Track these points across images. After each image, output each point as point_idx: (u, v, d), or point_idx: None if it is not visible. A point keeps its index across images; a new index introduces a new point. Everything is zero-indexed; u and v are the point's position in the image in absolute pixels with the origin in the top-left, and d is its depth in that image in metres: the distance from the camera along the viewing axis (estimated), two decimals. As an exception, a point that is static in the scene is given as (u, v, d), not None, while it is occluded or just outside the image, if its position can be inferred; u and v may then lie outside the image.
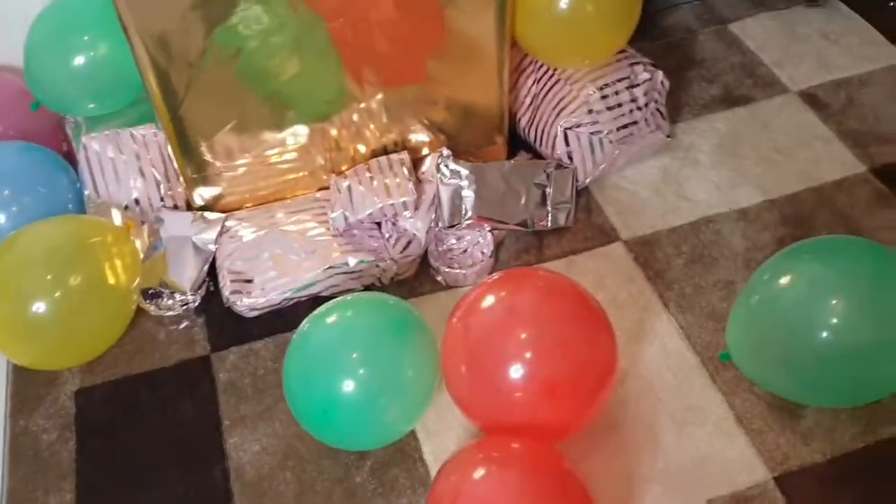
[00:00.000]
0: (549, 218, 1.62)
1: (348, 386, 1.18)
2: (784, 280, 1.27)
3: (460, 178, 1.57)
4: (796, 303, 1.24)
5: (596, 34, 1.57)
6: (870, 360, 1.21)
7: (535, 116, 1.71)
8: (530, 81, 1.71)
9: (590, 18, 1.53)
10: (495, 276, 1.30)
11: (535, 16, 1.54)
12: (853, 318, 1.21)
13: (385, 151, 1.62)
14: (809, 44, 2.00)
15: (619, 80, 1.65)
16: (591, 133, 1.64)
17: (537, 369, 1.18)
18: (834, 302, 1.22)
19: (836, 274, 1.25)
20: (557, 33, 1.55)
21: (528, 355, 1.18)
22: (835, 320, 1.21)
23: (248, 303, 1.44)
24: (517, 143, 1.75)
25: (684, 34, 2.06)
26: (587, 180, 1.69)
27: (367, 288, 1.50)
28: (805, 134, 1.80)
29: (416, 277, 1.57)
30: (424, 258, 1.57)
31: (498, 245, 1.61)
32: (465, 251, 1.57)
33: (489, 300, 1.24)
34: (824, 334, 1.20)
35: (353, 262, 1.45)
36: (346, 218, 1.50)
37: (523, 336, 1.20)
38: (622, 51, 1.69)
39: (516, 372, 1.18)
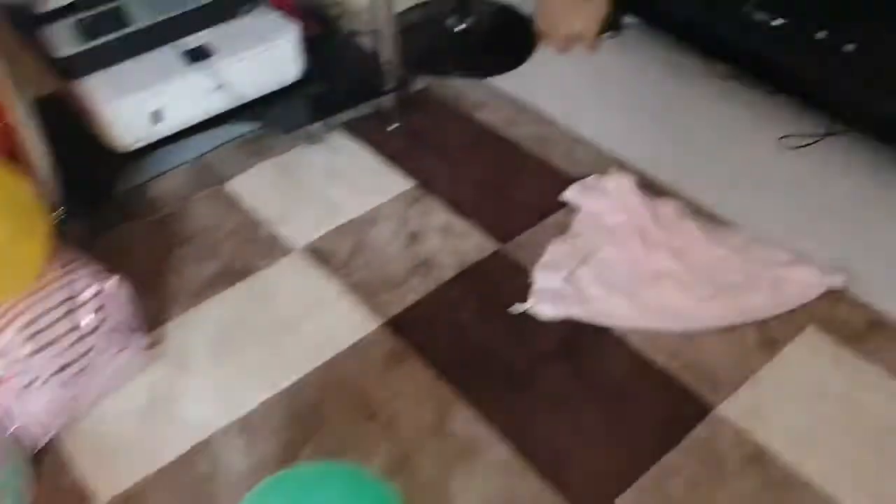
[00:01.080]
0: (-3, 504, 1.24)
1: None
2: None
3: None
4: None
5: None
6: None
7: (-44, 376, 1.33)
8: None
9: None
10: None
11: None
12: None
13: None
14: (313, 188, 1.85)
15: (54, 308, 1.33)
16: (26, 384, 1.29)
17: None
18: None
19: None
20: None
21: None
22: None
23: None
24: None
25: (177, 204, 1.80)
26: (45, 438, 1.34)
27: None
28: (313, 298, 1.61)
29: None
30: None
31: (-75, 567, 1.20)
32: None
33: None
34: None
35: None
36: None
37: None
38: (67, 262, 1.38)
39: None
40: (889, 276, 1.62)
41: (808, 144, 1.91)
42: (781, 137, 1.93)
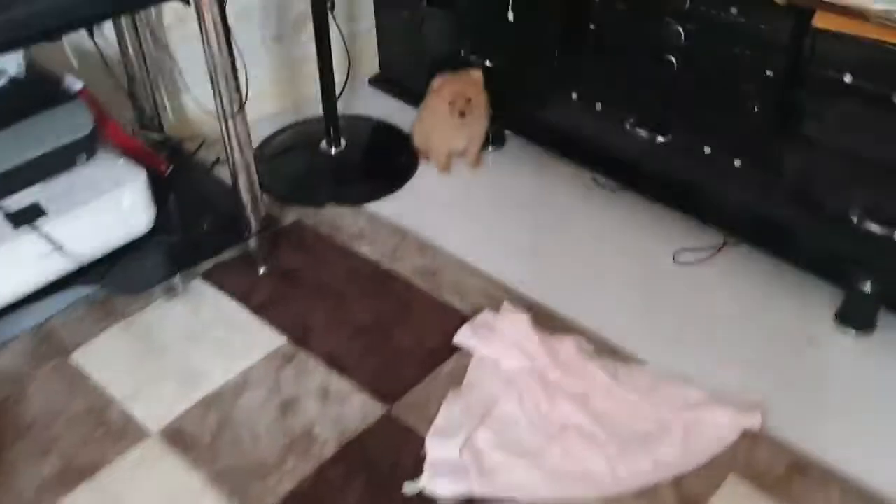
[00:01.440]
0: None
1: None
2: None
3: None
4: None
5: None
6: None
7: None
8: None
9: None
10: None
11: None
12: None
13: None
14: (171, 354, 1.62)
15: None
16: None
17: None
18: None
19: None
20: None
21: None
22: None
23: None
24: None
25: (11, 386, 1.55)
26: None
27: None
28: (172, 496, 1.37)
29: None
30: None
31: None
32: None
33: None
34: None
35: None
36: None
37: None
38: None
39: None
40: (805, 407, 1.52)
41: (704, 259, 1.82)
42: (676, 252, 1.84)
